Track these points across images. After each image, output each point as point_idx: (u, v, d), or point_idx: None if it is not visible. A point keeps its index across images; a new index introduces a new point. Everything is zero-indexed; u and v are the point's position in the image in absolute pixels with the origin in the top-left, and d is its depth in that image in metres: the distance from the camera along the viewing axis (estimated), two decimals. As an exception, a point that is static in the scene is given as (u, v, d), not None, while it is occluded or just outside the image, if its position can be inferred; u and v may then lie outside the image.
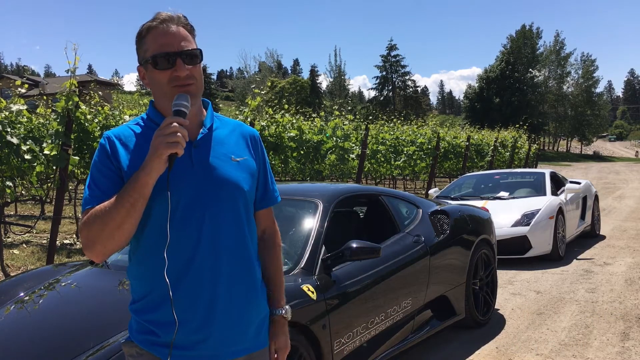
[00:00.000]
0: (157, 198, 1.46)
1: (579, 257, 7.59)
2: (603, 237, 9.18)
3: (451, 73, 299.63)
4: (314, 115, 11.66)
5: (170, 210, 1.47)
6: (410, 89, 75.27)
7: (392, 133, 14.88)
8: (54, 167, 5.96)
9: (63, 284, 3.26)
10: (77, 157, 6.24)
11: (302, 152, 9.67)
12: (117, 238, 1.43)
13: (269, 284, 1.75)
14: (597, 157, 70.72)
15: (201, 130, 1.59)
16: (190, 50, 1.54)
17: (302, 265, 3.09)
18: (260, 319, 1.64)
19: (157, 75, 1.53)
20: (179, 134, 1.39)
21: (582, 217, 8.79)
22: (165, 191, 1.46)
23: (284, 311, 1.75)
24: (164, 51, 1.51)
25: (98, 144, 1.58)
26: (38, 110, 10.03)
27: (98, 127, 7.43)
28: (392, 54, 74.42)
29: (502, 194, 8.29)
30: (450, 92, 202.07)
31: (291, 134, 9.38)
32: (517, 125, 25.50)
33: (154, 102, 1.62)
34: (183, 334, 1.49)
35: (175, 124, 1.40)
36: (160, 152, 1.39)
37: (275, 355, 1.73)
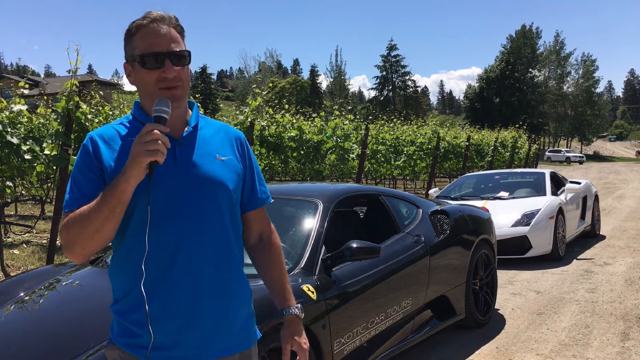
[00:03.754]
0: (139, 200, 1.45)
1: (579, 257, 7.59)
2: (603, 237, 9.18)
3: (451, 73, 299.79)
4: (314, 115, 11.64)
5: (150, 216, 1.45)
6: (410, 89, 75.31)
7: (392, 133, 14.88)
8: (54, 167, 5.96)
9: (63, 283, 3.26)
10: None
11: (302, 152, 9.67)
12: (96, 240, 1.42)
13: (275, 285, 1.74)
14: (597, 157, 70.72)
15: (186, 128, 1.58)
16: (179, 51, 1.52)
17: (302, 265, 3.09)
18: (243, 319, 1.62)
19: (144, 75, 1.51)
20: (159, 141, 1.37)
21: (582, 217, 8.79)
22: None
23: (297, 310, 1.74)
24: (153, 51, 1.49)
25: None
26: (38, 110, 10.02)
27: (98, 127, 7.42)
28: (392, 54, 74.47)
29: (502, 194, 8.29)
30: (450, 92, 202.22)
31: (291, 134, 9.38)
32: (517, 125, 25.51)
33: (139, 102, 1.61)
34: (164, 334, 1.48)
35: (156, 131, 1.38)
36: (139, 159, 1.37)
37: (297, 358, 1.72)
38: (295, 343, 1.71)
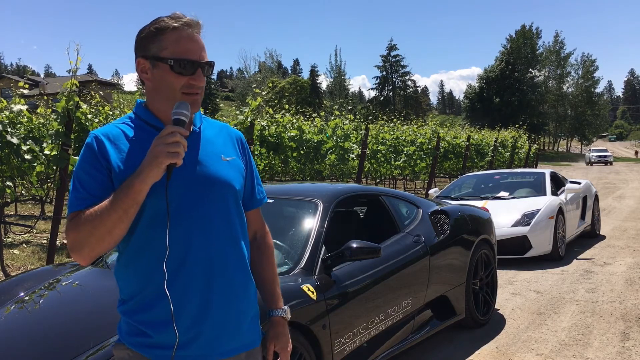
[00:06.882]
0: (148, 200, 1.44)
1: (579, 257, 7.59)
2: (603, 237, 9.18)
3: (451, 73, 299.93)
4: (314, 115, 11.65)
5: (167, 218, 1.45)
6: (410, 89, 75.38)
7: (392, 133, 14.88)
8: (54, 167, 5.96)
9: (63, 283, 3.26)
10: (77, 157, 6.23)
11: (302, 152, 9.67)
12: (106, 242, 1.42)
13: (266, 286, 1.74)
14: (597, 157, 70.53)
15: (191, 129, 1.58)
16: (211, 62, 1.55)
17: (302, 265, 3.09)
18: (250, 318, 1.63)
19: (171, 78, 1.50)
20: (181, 144, 1.38)
21: (582, 217, 8.79)
22: (159, 194, 1.43)
23: (283, 312, 1.75)
24: (190, 58, 1.49)
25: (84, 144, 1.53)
26: (38, 110, 10.03)
27: (98, 127, 7.42)
28: (392, 54, 74.55)
29: (502, 194, 8.29)
30: (451, 92, 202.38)
31: (291, 134, 9.38)
32: (517, 125, 25.51)
33: (144, 103, 1.59)
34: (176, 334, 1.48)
35: (177, 134, 1.38)
36: (160, 160, 1.36)
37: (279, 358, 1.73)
38: (278, 344, 1.72)
